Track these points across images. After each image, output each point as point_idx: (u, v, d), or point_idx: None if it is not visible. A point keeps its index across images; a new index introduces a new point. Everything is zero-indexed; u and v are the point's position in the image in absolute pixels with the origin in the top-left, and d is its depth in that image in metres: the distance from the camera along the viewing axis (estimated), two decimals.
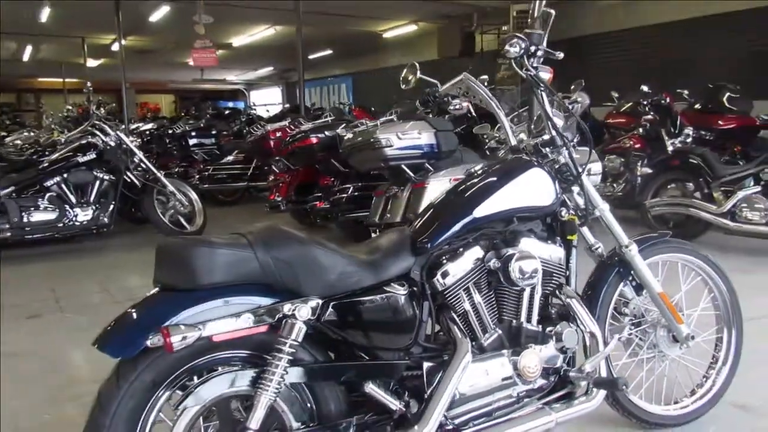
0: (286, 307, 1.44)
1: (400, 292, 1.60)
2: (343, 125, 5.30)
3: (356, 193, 5.17)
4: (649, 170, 5.30)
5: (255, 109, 13.43)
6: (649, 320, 2.06)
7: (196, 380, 1.42)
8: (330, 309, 1.51)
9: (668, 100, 5.70)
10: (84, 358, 3.01)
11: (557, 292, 1.86)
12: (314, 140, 5.15)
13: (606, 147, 6.12)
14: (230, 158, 7.70)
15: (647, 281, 1.99)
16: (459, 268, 1.71)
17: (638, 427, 2.09)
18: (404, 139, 4.27)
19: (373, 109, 8.85)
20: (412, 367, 1.60)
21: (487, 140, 5.13)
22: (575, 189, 1.95)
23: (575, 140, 2.03)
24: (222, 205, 7.80)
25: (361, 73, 14.58)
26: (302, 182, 5.88)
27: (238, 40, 14.01)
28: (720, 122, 6.01)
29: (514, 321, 1.77)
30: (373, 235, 4.57)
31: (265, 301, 1.46)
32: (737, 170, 4.71)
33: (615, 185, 5.76)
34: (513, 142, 2.12)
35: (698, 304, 2.22)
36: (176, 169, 7.62)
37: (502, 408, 1.66)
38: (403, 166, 4.39)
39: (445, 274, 1.69)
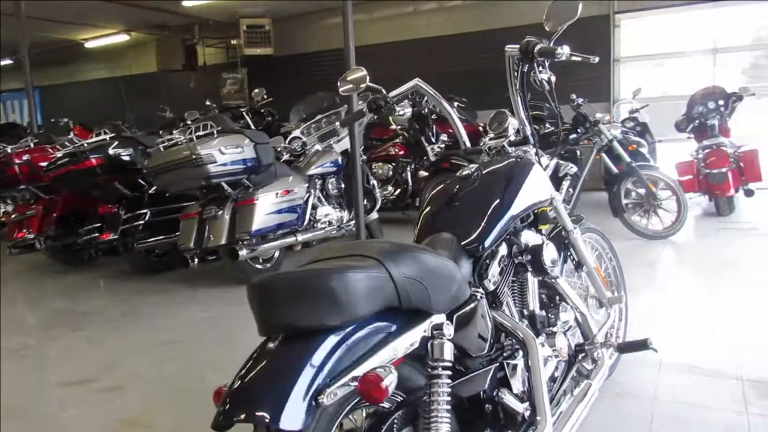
0: (426, 328, 1.31)
1: (480, 297, 1.58)
2: (116, 143, 4.64)
3: (153, 219, 4.59)
4: (425, 173, 5.90)
5: None
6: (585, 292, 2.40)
7: None
8: (452, 323, 1.42)
9: (426, 110, 6.43)
10: None
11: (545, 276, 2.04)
12: (94, 161, 4.38)
13: (371, 155, 6.60)
14: None
15: (586, 259, 2.31)
16: (499, 266, 1.76)
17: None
18: (227, 154, 3.98)
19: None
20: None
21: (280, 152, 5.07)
22: None
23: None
24: None
25: (53, 87, 12.63)
26: (62, 213, 4.95)
27: None
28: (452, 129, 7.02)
29: (532, 309, 1.90)
30: (191, 263, 4.14)
31: (394, 326, 1.30)
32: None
33: (387, 189, 6.22)
34: (467, 144, 2.22)
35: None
36: None
37: (559, 390, 1.77)
38: (223, 184, 4.08)
39: (492, 275, 1.72)
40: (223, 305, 3.93)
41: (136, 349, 3.25)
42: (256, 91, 5.72)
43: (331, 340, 1.15)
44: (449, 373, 1.30)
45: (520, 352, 1.67)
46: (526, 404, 1.56)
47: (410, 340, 1.29)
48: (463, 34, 8.69)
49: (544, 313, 1.94)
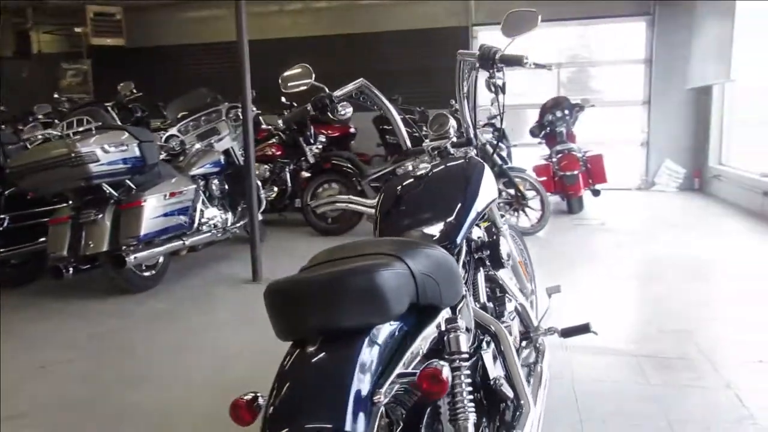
0: (441, 322, 1.34)
1: (466, 292, 1.64)
2: None
3: (12, 226, 4.05)
4: (307, 174, 5.86)
5: None
6: None
7: None
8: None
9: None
10: None
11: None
12: None
13: None
14: None
15: (513, 253, 2.48)
16: (466, 262, 1.83)
17: None
18: (111, 152, 3.64)
19: None
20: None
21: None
22: None
23: None
24: None
25: None
26: None
27: None
28: (329, 131, 7.05)
29: (483, 301, 2.00)
30: (65, 273, 3.72)
31: (413, 322, 1.31)
32: (379, 169, 5.70)
33: (272, 190, 6.08)
34: (408, 145, 2.27)
35: None
36: None
37: None
38: (105, 185, 3.73)
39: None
40: (106, 318, 3.59)
41: (26, 371, 2.85)
42: (123, 84, 5.26)
43: (372, 338, 1.14)
44: (467, 364, 1.34)
45: (492, 343, 1.76)
46: (512, 393, 1.64)
47: (430, 335, 1.31)
48: (330, 36, 8.74)
49: (492, 305, 2.05)
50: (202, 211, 4.47)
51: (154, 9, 9.14)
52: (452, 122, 2.19)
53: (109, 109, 5.42)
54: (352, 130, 7.22)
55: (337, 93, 2.22)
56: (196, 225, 4.33)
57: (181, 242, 4.16)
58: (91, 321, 3.55)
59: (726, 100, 7.50)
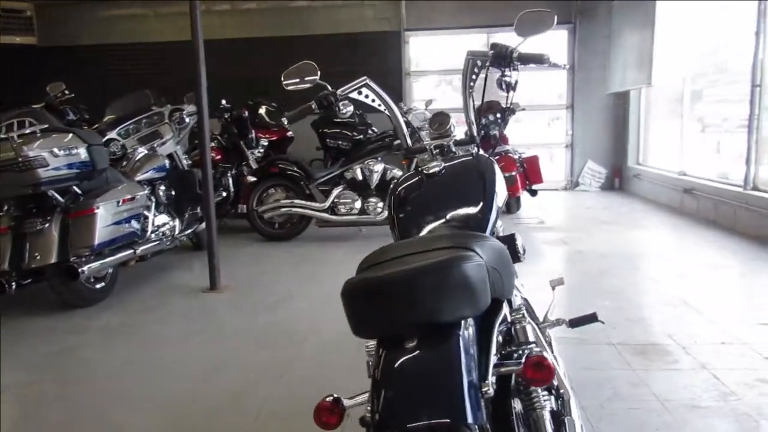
0: (507, 313, 1.35)
1: None
2: None
3: None
4: (252, 179, 5.70)
5: None
6: None
7: None
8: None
9: (246, 113, 6.21)
10: None
11: None
12: None
13: None
14: None
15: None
16: None
17: None
18: (60, 156, 3.38)
19: None
20: None
21: None
22: None
23: None
24: None
25: None
26: None
27: None
28: (268, 135, 6.91)
29: None
30: (7, 288, 3.42)
31: (481, 315, 1.31)
32: (326, 173, 5.68)
33: (221, 195, 5.85)
34: (409, 143, 2.27)
35: None
36: None
37: None
38: (51, 192, 3.47)
39: None
40: (61, 336, 3.32)
41: None
42: (52, 84, 4.90)
43: (465, 331, 1.13)
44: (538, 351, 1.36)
45: None
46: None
47: (503, 326, 1.32)
48: (260, 38, 8.56)
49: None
50: (151, 218, 4.25)
51: (71, 6, 8.59)
52: (453, 121, 2.21)
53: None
54: (289, 134, 7.11)
55: (340, 90, 2.19)
56: (148, 233, 4.11)
57: (132, 251, 3.94)
58: (44, 339, 3.27)
59: (642, 102, 8.06)
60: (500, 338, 1.29)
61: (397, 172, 5.57)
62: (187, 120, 4.97)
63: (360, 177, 5.54)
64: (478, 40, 8.51)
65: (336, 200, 5.50)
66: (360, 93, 2.22)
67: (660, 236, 5.54)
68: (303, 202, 5.54)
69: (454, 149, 2.17)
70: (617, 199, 7.74)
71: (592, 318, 2.19)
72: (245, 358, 2.91)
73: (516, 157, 6.66)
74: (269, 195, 5.73)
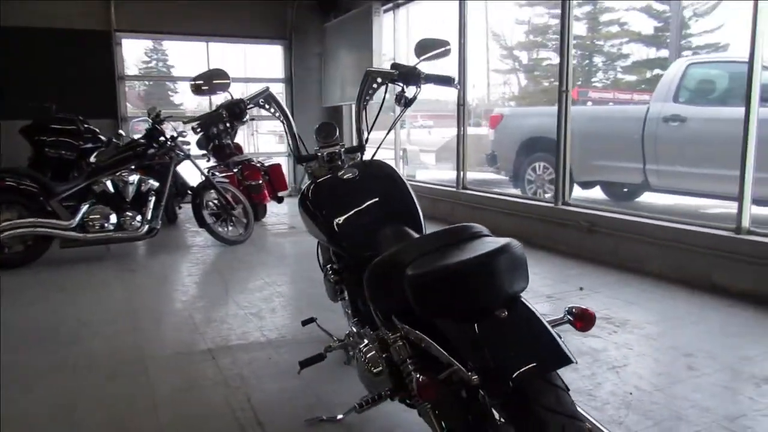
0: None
1: None
2: None
3: None
4: None
5: None
6: None
7: None
8: None
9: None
10: None
11: None
12: None
13: None
14: None
15: None
16: None
17: None
18: None
19: None
20: None
21: None
22: None
23: None
24: None
25: None
26: None
27: None
28: None
29: None
30: None
31: None
32: (71, 185, 5.01)
33: None
34: (304, 152, 2.39)
35: None
36: None
37: None
38: None
39: None
40: None
41: None
42: None
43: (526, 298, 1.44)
44: None
45: None
46: None
47: None
48: None
49: None
50: None
51: None
52: (336, 130, 2.41)
53: None
54: None
55: (248, 97, 2.21)
56: None
57: None
58: None
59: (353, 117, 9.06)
60: None
61: (154, 183, 5.25)
62: None
63: (112, 189, 5.05)
64: (199, 48, 8.41)
65: (85, 217, 4.91)
66: (262, 102, 2.27)
67: None
68: (46, 220, 4.79)
69: (343, 157, 2.38)
70: None
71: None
72: None
73: (259, 165, 6.86)
74: (2, 213, 4.77)
